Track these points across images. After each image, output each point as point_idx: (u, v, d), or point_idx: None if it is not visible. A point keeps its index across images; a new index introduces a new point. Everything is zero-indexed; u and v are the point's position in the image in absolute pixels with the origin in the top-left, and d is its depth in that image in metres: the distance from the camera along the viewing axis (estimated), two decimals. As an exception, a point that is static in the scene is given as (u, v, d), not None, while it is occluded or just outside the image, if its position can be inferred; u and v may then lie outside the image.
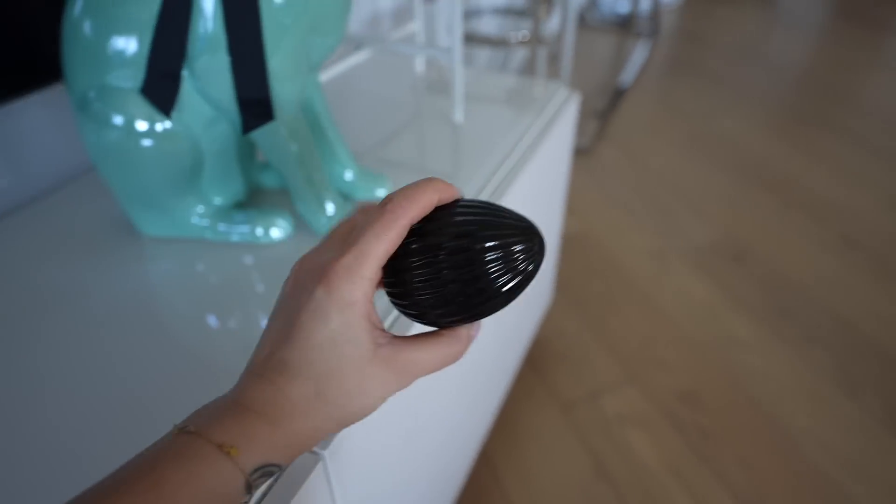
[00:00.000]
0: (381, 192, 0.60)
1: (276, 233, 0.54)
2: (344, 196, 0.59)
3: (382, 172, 0.63)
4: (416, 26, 0.90)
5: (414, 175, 0.64)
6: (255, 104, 0.45)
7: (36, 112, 0.62)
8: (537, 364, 1.09)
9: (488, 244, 0.27)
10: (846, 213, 1.47)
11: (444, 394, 0.59)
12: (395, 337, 0.28)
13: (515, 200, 0.67)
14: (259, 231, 0.54)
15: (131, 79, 0.44)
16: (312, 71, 0.50)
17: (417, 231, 0.28)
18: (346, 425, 0.28)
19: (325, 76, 0.82)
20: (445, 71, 0.89)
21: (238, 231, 0.54)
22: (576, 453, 0.94)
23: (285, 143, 0.49)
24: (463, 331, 0.29)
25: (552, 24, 0.93)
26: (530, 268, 0.28)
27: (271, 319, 0.28)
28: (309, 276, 0.26)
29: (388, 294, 0.29)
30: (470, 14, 1.53)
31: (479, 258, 0.27)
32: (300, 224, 0.56)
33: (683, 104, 2.06)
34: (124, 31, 0.43)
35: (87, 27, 0.43)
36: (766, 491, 0.88)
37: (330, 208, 0.53)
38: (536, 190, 0.76)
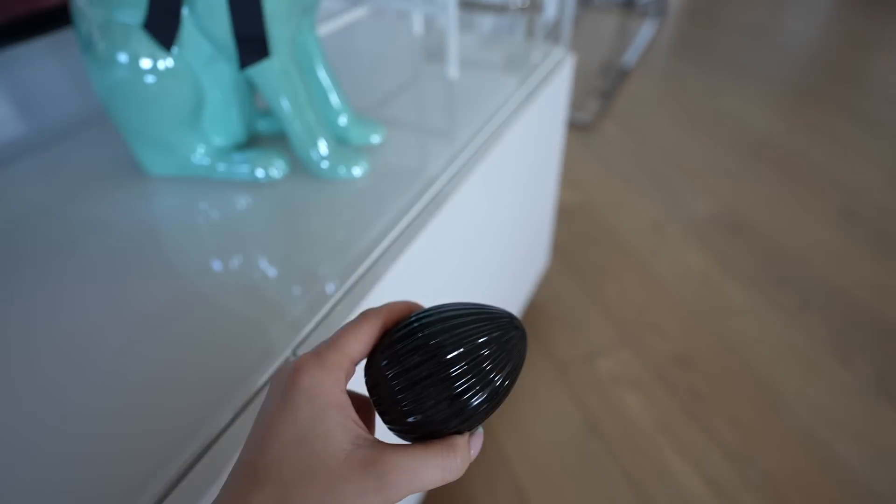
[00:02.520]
0: (376, 139, 0.62)
1: (274, 172, 0.57)
2: (338, 139, 0.62)
3: (378, 121, 0.65)
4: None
5: (407, 128, 0.67)
6: (251, 41, 0.47)
7: (47, 58, 0.65)
8: (534, 327, 1.11)
9: (451, 354, 0.26)
10: (846, 188, 1.47)
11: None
12: (380, 441, 0.25)
13: (506, 155, 0.69)
14: (259, 172, 0.57)
15: (134, 16, 0.47)
16: (306, 14, 0.53)
17: (391, 346, 0.27)
18: None
19: (324, 30, 0.85)
20: (442, 33, 0.91)
21: (239, 171, 0.57)
22: (570, 411, 0.97)
23: (280, 81, 0.51)
24: (459, 440, 0.26)
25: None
26: (507, 371, 0.27)
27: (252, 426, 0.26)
28: (283, 374, 0.25)
29: (384, 422, 0.28)
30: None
31: (445, 367, 0.26)
32: (296, 165, 0.59)
33: (688, 83, 2.06)
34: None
35: (92, -35, 0.46)
36: (756, 448, 0.90)
37: (323, 146, 0.55)
38: (528, 147, 0.78)
